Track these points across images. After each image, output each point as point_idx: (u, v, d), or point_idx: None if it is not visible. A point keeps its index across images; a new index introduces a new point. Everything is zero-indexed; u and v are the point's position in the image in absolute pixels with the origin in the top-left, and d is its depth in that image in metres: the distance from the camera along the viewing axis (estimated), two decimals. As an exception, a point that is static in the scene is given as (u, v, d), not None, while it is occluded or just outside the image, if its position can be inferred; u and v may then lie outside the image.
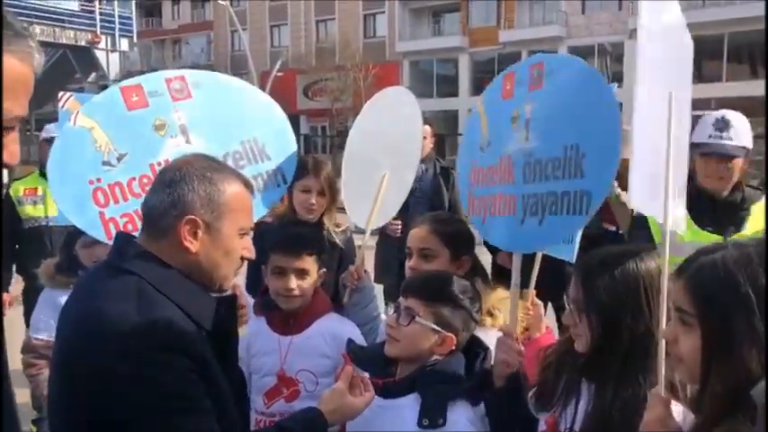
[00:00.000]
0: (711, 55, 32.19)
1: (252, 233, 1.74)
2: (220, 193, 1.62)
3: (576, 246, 2.34)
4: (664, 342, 1.48)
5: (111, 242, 2.39)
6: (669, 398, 1.49)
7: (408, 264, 2.40)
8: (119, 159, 2.39)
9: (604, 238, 3.59)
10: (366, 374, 1.96)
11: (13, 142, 1.17)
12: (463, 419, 1.90)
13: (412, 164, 2.89)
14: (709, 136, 2.80)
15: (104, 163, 2.38)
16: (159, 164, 2.40)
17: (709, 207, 2.81)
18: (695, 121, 2.90)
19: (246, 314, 2.25)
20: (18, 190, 4.90)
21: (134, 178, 2.41)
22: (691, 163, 2.69)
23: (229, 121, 2.55)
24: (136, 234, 1.75)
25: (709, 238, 2.62)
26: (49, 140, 4.65)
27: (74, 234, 3.21)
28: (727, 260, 1.25)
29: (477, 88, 37.00)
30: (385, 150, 2.79)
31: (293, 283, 2.43)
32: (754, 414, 1.14)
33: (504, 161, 2.21)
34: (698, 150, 2.79)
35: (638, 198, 1.73)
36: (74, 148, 2.38)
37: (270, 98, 2.74)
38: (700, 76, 32.31)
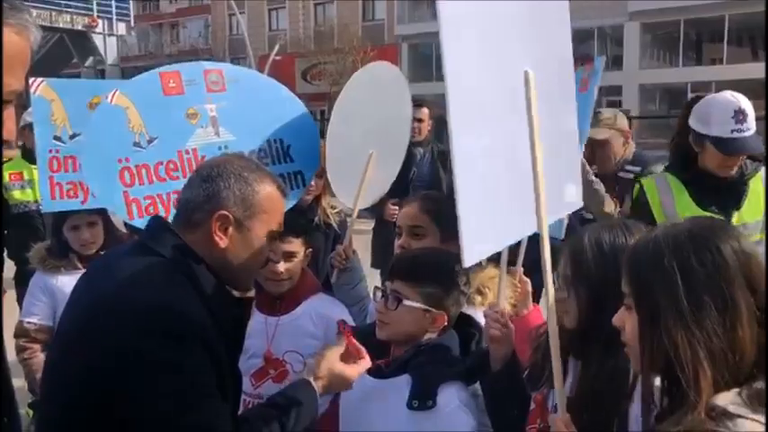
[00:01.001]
0: (712, 37, 32.07)
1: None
2: (255, 194, 1.66)
3: (565, 224, 2.34)
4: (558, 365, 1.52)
5: (130, 221, 2.49)
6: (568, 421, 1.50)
7: (398, 242, 2.37)
8: (149, 142, 2.46)
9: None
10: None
11: (8, 118, 1.16)
12: (455, 401, 1.88)
13: (401, 143, 2.85)
14: (732, 131, 2.70)
15: (135, 144, 2.45)
16: (187, 151, 2.50)
17: (714, 188, 2.77)
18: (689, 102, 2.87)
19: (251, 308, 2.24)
20: (3, 175, 4.85)
21: (161, 162, 2.49)
22: (697, 149, 2.66)
23: (259, 120, 2.61)
24: None
25: None
26: (30, 126, 4.67)
27: (62, 218, 3.21)
28: (657, 239, 1.26)
29: (477, 71, 36.89)
30: (371, 129, 2.75)
31: (281, 266, 2.42)
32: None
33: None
34: (721, 146, 2.69)
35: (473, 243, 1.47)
36: (108, 125, 2.44)
37: (301, 104, 2.80)
38: (700, 58, 32.23)
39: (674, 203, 2.72)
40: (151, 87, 2.50)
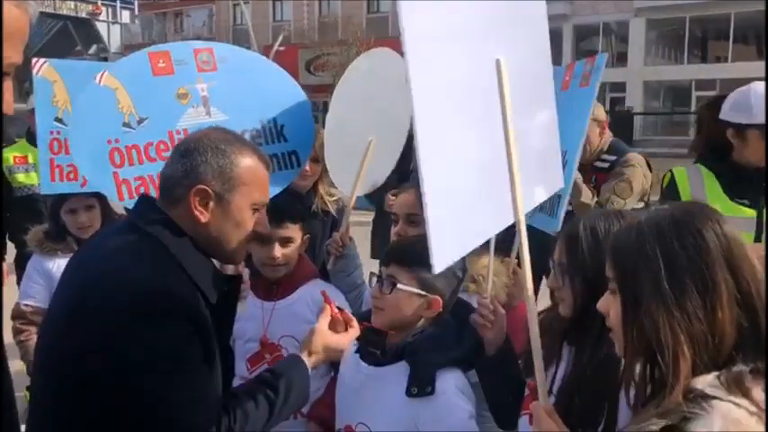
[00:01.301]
0: (717, 35, 31.96)
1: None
2: (233, 166, 1.65)
3: (561, 218, 2.34)
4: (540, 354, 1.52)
5: (120, 202, 2.48)
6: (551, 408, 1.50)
7: (394, 229, 2.37)
8: (139, 123, 2.44)
9: None
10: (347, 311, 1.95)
11: (7, 90, 1.16)
12: (452, 387, 1.88)
13: (401, 131, 2.83)
14: None
15: (125, 124, 2.42)
16: (177, 132, 2.47)
17: (747, 181, 2.74)
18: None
19: (246, 290, 2.23)
20: (8, 158, 4.91)
21: (151, 143, 2.46)
22: (735, 140, 2.62)
23: (251, 99, 2.57)
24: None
25: (744, 212, 2.59)
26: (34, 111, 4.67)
27: (60, 201, 3.20)
28: (641, 224, 1.27)
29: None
30: (371, 116, 2.73)
31: (278, 251, 2.41)
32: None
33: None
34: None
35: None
36: (97, 106, 2.41)
37: (294, 82, 2.75)
38: (705, 56, 32.13)
39: (704, 193, 2.69)
40: (140, 68, 2.47)
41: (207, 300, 1.60)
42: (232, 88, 2.55)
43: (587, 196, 3.67)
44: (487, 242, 2.20)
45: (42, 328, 1.73)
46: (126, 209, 3.06)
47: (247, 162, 1.67)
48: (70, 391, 1.50)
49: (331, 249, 2.66)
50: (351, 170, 2.71)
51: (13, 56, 1.14)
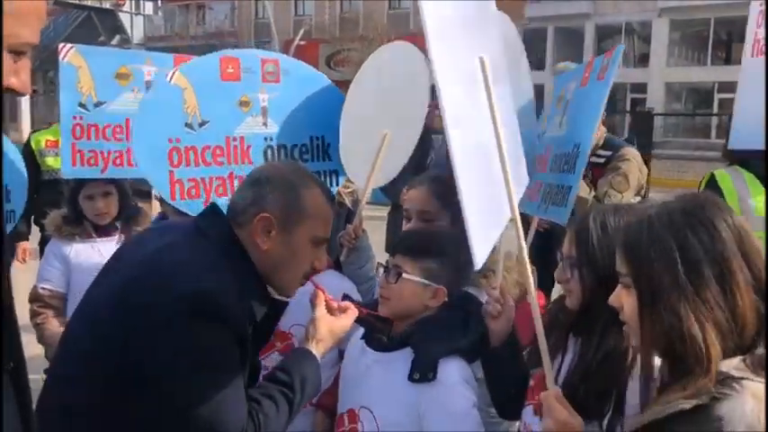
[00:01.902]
0: (742, 37, 31.46)
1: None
2: (299, 199, 1.74)
3: (569, 209, 2.34)
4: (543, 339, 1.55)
5: (171, 202, 2.55)
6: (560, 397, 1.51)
7: (406, 226, 2.38)
8: (200, 125, 2.50)
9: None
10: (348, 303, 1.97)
11: (24, 70, 1.17)
12: (456, 375, 1.90)
13: (416, 124, 2.81)
14: None
15: (187, 125, 2.49)
16: (234, 138, 2.55)
17: None
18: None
19: None
20: (39, 141, 5.08)
21: (208, 147, 2.53)
22: None
23: (305, 115, 2.65)
24: (198, 201, 1.93)
25: None
26: None
27: (79, 186, 3.24)
28: (652, 218, 1.29)
29: (501, 64, 36.60)
30: (387, 109, 2.73)
31: None
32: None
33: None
34: None
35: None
36: (165, 103, 2.48)
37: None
38: (729, 58, 31.73)
39: (749, 196, 2.67)
40: (210, 70, 2.53)
41: (252, 316, 1.66)
42: (290, 102, 2.63)
43: (584, 190, 3.68)
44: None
45: (81, 313, 1.74)
46: (176, 209, 3.09)
47: (313, 197, 1.75)
48: (114, 381, 1.53)
49: (344, 241, 2.67)
50: (365, 163, 2.72)
51: (29, 35, 1.15)
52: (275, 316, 1.82)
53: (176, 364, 1.50)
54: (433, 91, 4.10)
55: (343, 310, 1.89)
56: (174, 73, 2.49)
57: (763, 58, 2.70)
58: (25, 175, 3.28)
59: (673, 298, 1.22)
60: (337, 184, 2.72)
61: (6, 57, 1.13)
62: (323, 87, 2.76)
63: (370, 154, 2.70)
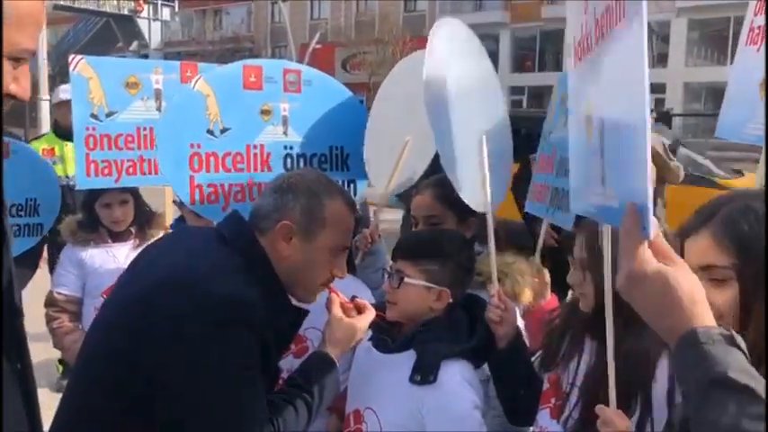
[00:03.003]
0: None
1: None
2: (322, 207, 1.73)
3: (574, 214, 2.31)
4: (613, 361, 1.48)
5: (191, 206, 2.56)
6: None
7: (415, 231, 2.40)
8: (222, 132, 2.52)
9: None
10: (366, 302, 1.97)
11: (23, 76, 1.17)
12: (458, 378, 1.90)
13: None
14: None
15: (208, 131, 2.50)
16: (255, 146, 2.57)
17: None
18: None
19: None
20: (37, 149, 5.04)
21: (229, 153, 2.55)
22: None
23: (325, 125, 2.67)
24: (216, 206, 2.00)
25: None
26: (63, 103, 4.79)
27: (95, 193, 3.26)
28: (755, 208, 1.24)
29: (518, 65, 36.55)
30: (411, 116, 2.74)
31: None
32: None
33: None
34: None
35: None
36: (187, 109, 2.50)
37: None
38: None
39: None
40: (233, 79, 2.56)
41: (275, 326, 1.64)
42: (311, 112, 2.64)
43: None
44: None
45: (103, 317, 1.71)
46: (194, 212, 3.10)
47: (336, 206, 1.76)
48: (134, 386, 1.52)
49: (360, 245, 2.68)
50: (387, 167, 2.75)
51: (27, 42, 1.15)
52: (296, 324, 1.80)
53: (200, 370, 1.48)
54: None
55: (360, 311, 1.88)
56: (197, 80, 2.52)
57: (755, 46, 2.69)
58: (57, 190, 3.27)
59: None
60: (355, 194, 2.72)
61: (6, 63, 1.13)
62: (344, 99, 2.78)
63: (391, 159, 2.73)
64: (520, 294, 2.33)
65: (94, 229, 3.34)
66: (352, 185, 2.71)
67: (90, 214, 3.35)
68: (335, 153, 2.67)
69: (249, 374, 1.54)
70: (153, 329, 1.50)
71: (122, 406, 1.52)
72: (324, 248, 1.73)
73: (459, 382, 1.89)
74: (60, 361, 4.66)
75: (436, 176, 3.01)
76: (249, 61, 2.66)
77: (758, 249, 1.22)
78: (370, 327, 1.96)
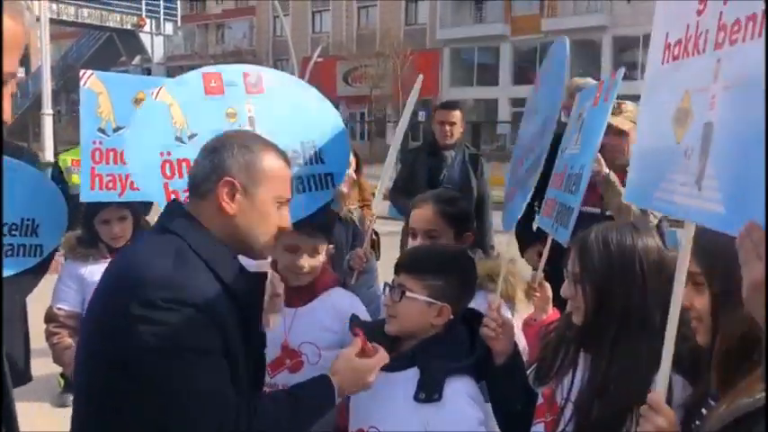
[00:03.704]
0: (762, 47, 31.23)
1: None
2: (258, 161, 1.74)
3: (570, 230, 2.35)
4: (672, 343, 1.45)
5: None
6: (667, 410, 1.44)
7: (411, 243, 2.43)
8: (190, 138, 2.52)
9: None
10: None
11: (6, 99, 1.20)
12: (462, 395, 1.89)
13: (399, 134, 3.07)
14: None
15: (177, 138, 2.52)
16: None
17: None
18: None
19: (281, 303, 2.26)
20: (66, 161, 5.43)
21: None
22: None
23: (293, 121, 2.66)
24: None
25: None
26: None
27: (94, 209, 3.28)
28: None
29: (518, 77, 36.63)
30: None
31: (305, 261, 2.46)
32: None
33: None
34: None
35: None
36: (152, 120, 2.52)
37: (334, 108, 2.87)
38: None
39: None
40: (194, 86, 2.58)
41: (232, 294, 1.67)
42: (277, 111, 2.64)
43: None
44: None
45: (81, 328, 1.82)
46: None
47: (271, 158, 1.77)
48: (93, 380, 1.61)
49: (354, 265, 2.71)
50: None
51: (11, 65, 1.19)
52: (257, 288, 1.82)
53: (144, 353, 1.51)
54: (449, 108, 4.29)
55: (372, 354, 1.85)
56: (159, 91, 2.54)
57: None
58: (63, 213, 3.24)
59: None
60: (333, 186, 2.72)
61: None
62: (309, 94, 2.79)
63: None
64: (513, 296, 2.36)
65: (94, 245, 3.37)
66: (329, 178, 2.70)
67: (89, 230, 3.37)
68: (308, 149, 2.67)
69: (190, 352, 1.54)
70: (109, 324, 1.57)
71: (117, 405, 1.57)
72: (268, 201, 1.74)
73: (465, 400, 1.88)
74: (62, 375, 4.68)
75: (435, 191, 3.07)
76: (208, 68, 2.68)
77: (724, 260, 1.29)
78: (367, 339, 1.95)
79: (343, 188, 3.27)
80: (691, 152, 1.31)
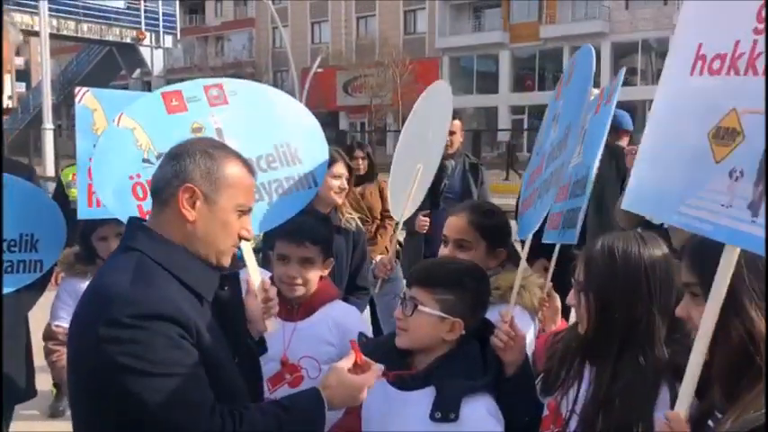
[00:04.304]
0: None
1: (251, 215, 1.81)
2: (220, 168, 1.71)
3: (578, 229, 2.30)
4: (701, 360, 1.40)
5: None
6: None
7: (443, 251, 2.38)
8: (157, 158, 2.48)
9: None
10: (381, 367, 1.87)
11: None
12: (482, 412, 1.86)
13: (438, 153, 2.96)
14: None
15: (144, 160, 2.49)
16: None
17: None
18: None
19: (275, 307, 2.21)
20: (67, 175, 5.49)
21: None
22: None
23: (263, 126, 2.64)
24: None
25: None
26: None
27: (91, 226, 3.25)
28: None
29: (518, 85, 36.73)
30: (422, 144, 2.85)
31: (295, 270, 2.43)
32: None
33: None
34: None
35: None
36: (117, 146, 2.49)
37: (303, 106, 2.83)
38: None
39: None
40: (155, 107, 2.55)
41: (200, 296, 1.67)
42: (244, 118, 2.61)
43: None
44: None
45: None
46: None
47: (233, 166, 1.74)
48: (78, 399, 1.62)
49: (378, 273, 2.68)
50: (401, 198, 2.86)
51: None
52: (230, 287, 1.81)
53: (116, 374, 1.50)
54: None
55: (366, 370, 1.80)
56: (119, 117, 2.52)
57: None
58: (61, 227, 3.22)
59: (744, 302, 1.31)
60: (315, 185, 2.68)
61: None
62: (277, 99, 2.76)
63: (404, 188, 2.85)
64: (535, 306, 2.31)
65: (92, 261, 3.34)
66: (310, 177, 2.66)
67: (86, 246, 3.35)
68: (282, 150, 2.63)
69: (161, 365, 1.51)
70: (81, 346, 1.57)
71: (102, 419, 1.57)
72: (228, 209, 1.72)
73: (484, 417, 1.85)
74: (54, 384, 4.68)
75: (471, 201, 3.04)
76: (166, 88, 2.67)
77: (716, 273, 1.31)
78: (378, 355, 1.89)
79: (338, 200, 3.25)
80: (739, 175, 1.27)
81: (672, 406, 1.52)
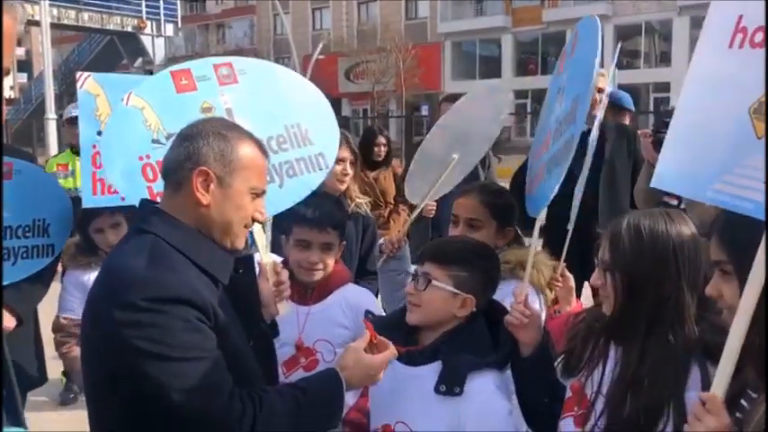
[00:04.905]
0: (766, 31, 31.08)
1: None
2: (234, 150, 1.68)
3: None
4: (738, 344, 1.36)
5: None
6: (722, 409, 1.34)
7: (453, 230, 2.42)
8: (167, 138, 2.43)
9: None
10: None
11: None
12: (490, 386, 1.86)
13: (479, 153, 3.01)
14: None
15: (154, 141, 2.44)
16: None
17: None
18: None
19: (287, 290, 2.19)
20: (52, 166, 5.38)
21: None
22: None
23: (274, 106, 2.59)
24: None
25: None
26: (73, 120, 4.83)
27: (87, 216, 3.21)
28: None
29: (521, 69, 36.55)
30: (462, 139, 2.85)
31: (317, 256, 2.42)
32: None
33: None
34: None
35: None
36: (126, 126, 2.45)
37: (314, 86, 2.78)
38: None
39: None
40: (164, 87, 2.51)
41: (219, 280, 1.65)
42: (255, 98, 2.57)
43: None
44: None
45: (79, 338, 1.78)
46: None
47: (247, 147, 1.72)
48: (94, 384, 1.60)
49: (385, 249, 2.73)
50: (424, 183, 2.90)
51: (7, 61, 1.21)
52: (246, 271, 1.80)
53: (135, 358, 1.47)
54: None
55: (381, 349, 1.79)
56: (128, 96, 2.47)
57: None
58: (68, 209, 3.19)
59: None
60: (327, 166, 2.62)
61: None
62: (287, 78, 2.70)
63: (432, 174, 2.87)
64: (542, 285, 2.36)
65: (94, 252, 3.30)
66: (320, 158, 2.60)
67: (86, 237, 3.30)
68: (293, 131, 2.58)
69: (178, 349, 1.49)
70: (97, 333, 1.55)
71: (119, 405, 1.55)
72: (242, 191, 1.69)
73: (492, 391, 1.85)
74: (64, 373, 4.68)
75: (481, 182, 3.07)
76: (174, 67, 2.61)
77: (750, 247, 1.27)
78: (385, 333, 1.88)
79: (340, 187, 3.25)
80: None
81: (703, 386, 1.50)
